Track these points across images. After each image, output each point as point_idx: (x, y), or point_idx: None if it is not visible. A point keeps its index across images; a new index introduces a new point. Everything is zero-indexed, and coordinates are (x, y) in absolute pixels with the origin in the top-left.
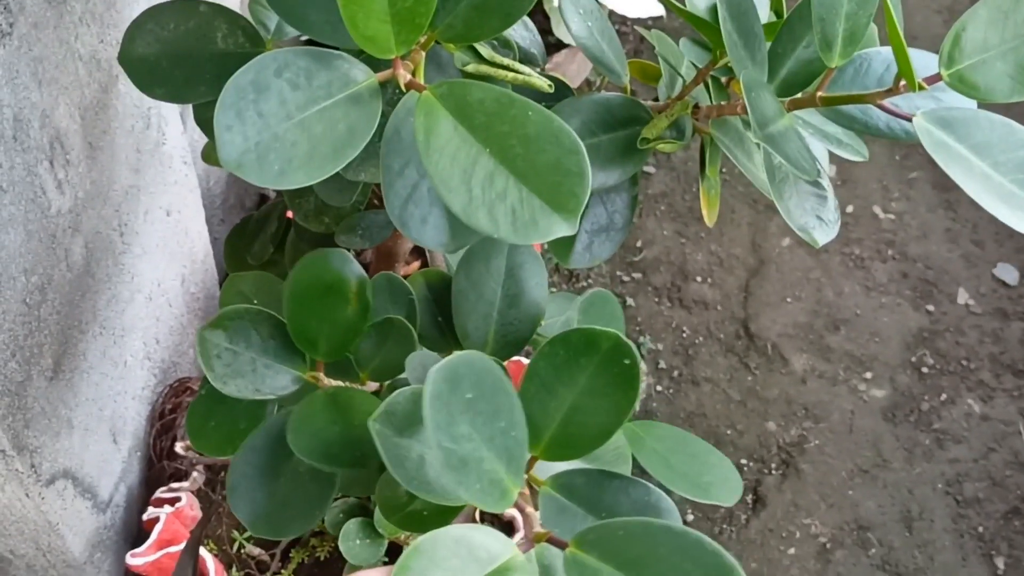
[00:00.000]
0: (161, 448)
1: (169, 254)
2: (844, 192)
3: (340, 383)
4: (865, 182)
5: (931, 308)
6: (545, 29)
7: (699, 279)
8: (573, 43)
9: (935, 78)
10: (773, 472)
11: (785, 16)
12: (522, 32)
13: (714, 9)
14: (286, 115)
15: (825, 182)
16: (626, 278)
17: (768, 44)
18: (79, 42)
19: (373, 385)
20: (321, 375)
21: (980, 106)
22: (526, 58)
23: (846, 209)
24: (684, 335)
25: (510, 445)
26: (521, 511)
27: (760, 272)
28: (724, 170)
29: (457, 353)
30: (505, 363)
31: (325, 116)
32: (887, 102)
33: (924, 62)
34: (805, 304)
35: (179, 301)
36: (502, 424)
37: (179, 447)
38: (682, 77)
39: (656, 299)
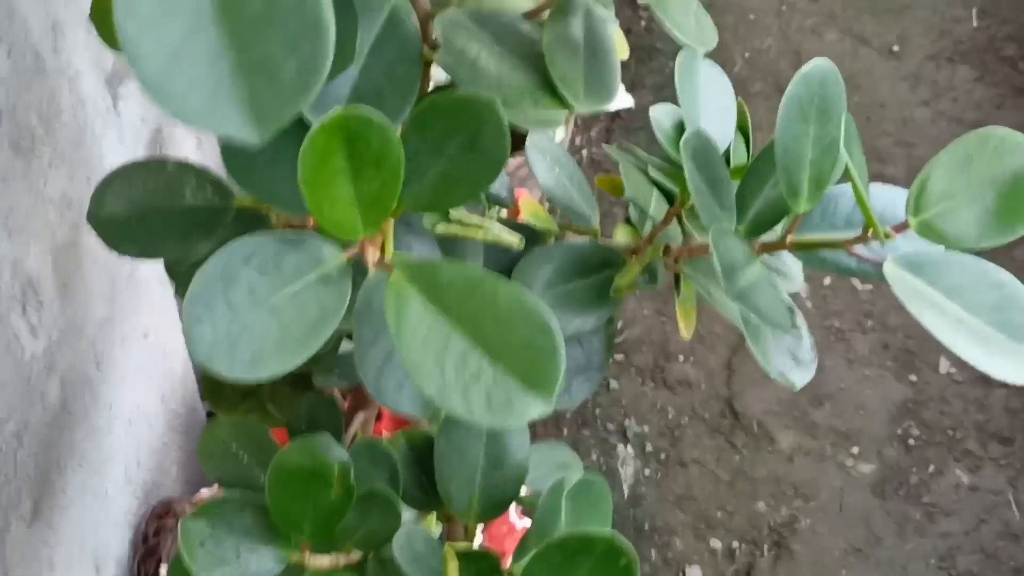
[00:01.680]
0: (145, 572)
1: (147, 376)
2: None
3: (326, 562)
4: None
5: (914, 378)
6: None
7: (681, 358)
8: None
9: (903, 226)
10: (766, 554)
11: (751, 139)
12: None
13: (680, 128)
14: (255, 302)
15: (799, 320)
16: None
17: (736, 183)
18: (49, 186)
19: (358, 554)
20: (306, 555)
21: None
22: (495, 201)
23: (824, 282)
24: (669, 416)
25: None
26: None
27: (742, 349)
28: None
29: None
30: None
31: (295, 300)
32: (857, 249)
33: (894, 203)
34: None
35: (160, 420)
36: None
37: (163, 571)
38: (652, 219)
39: (640, 380)
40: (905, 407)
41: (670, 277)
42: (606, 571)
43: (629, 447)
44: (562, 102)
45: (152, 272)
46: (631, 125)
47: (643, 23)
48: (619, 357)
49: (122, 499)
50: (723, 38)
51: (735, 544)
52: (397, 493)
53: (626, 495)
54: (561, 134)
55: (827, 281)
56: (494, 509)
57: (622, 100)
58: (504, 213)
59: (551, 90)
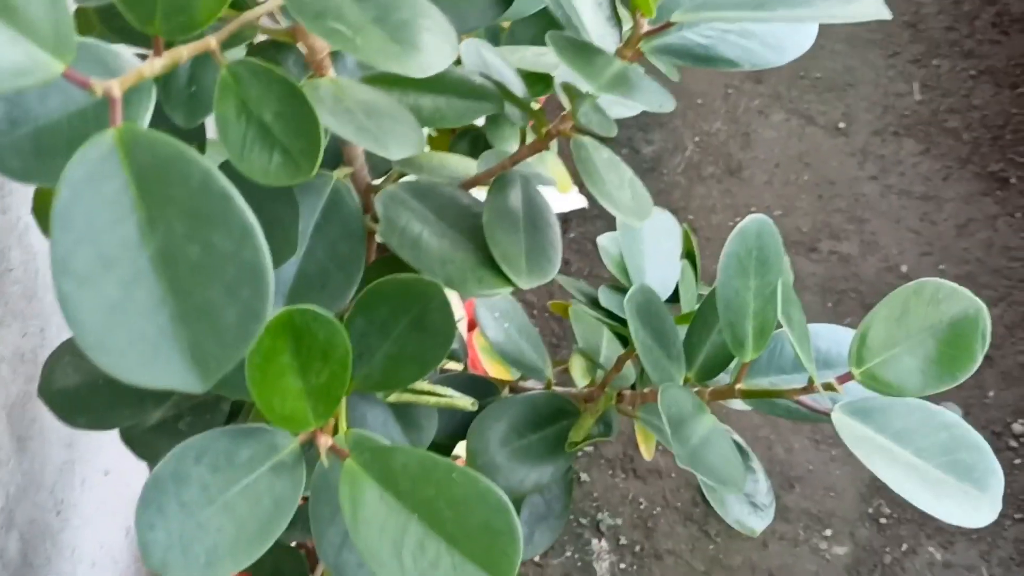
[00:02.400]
0: None
1: (111, 512)
2: None
3: None
4: None
5: None
6: None
7: None
8: None
9: (847, 376)
10: None
11: (698, 265)
12: None
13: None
14: (208, 500)
15: (755, 463)
16: (578, 453)
17: (684, 329)
18: (1, 345)
19: None
20: None
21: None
22: (449, 356)
23: None
24: (641, 507)
25: None
26: None
27: None
28: None
29: None
30: None
31: (248, 493)
32: (804, 399)
33: (841, 344)
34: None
35: (125, 554)
36: None
37: None
38: (602, 368)
39: (610, 471)
40: (874, 485)
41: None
42: None
43: (603, 541)
44: (505, 279)
45: None
46: (588, 214)
47: None
48: (588, 449)
49: None
50: (673, 123)
51: None
52: None
53: None
54: None
55: None
56: None
57: (575, 201)
58: (460, 366)
59: (494, 266)
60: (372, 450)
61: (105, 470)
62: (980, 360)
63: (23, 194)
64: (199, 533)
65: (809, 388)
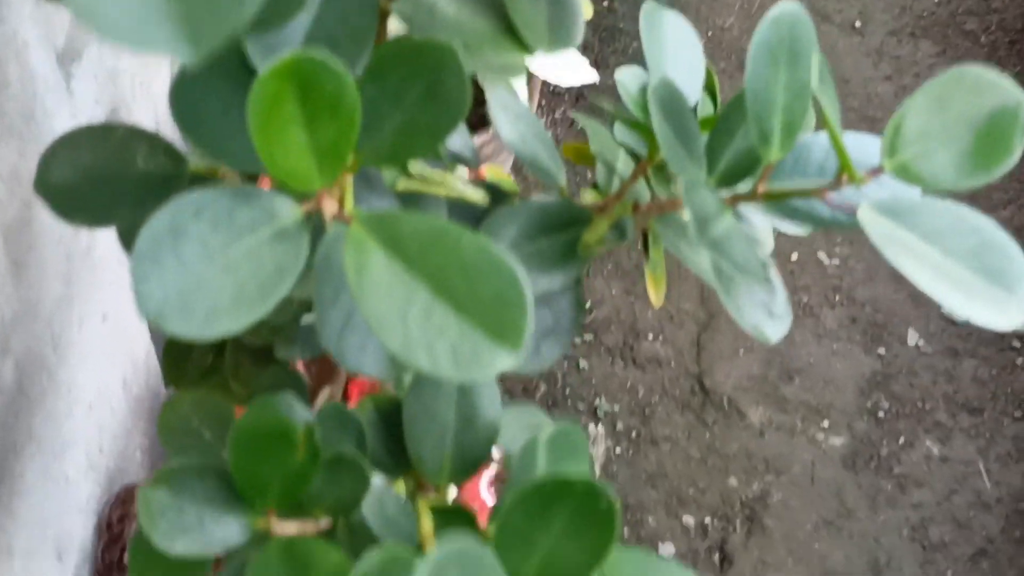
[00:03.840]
0: (110, 560)
1: (108, 359)
2: (788, 240)
3: (293, 528)
4: None
5: (882, 351)
6: (480, 100)
7: (651, 336)
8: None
9: (878, 170)
10: (738, 529)
11: (718, 100)
12: (451, 137)
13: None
14: (208, 257)
15: (773, 274)
16: (578, 340)
17: (705, 136)
18: None
19: (327, 521)
20: (272, 520)
21: (927, 192)
22: (458, 160)
23: (791, 257)
24: (640, 395)
25: None
26: None
27: (711, 326)
28: None
29: (444, 547)
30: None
31: (250, 255)
32: (831, 196)
33: (867, 150)
34: (758, 355)
35: (122, 405)
36: None
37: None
38: (619, 175)
39: (609, 359)
40: (874, 380)
41: (638, 257)
42: (586, 515)
43: (600, 426)
44: (524, 46)
45: (110, 251)
46: (599, 88)
47: (605, 3)
48: (588, 337)
49: (84, 485)
50: (687, 17)
51: (707, 520)
52: (365, 458)
53: (597, 474)
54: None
55: (794, 256)
56: (466, 470)
57: (586, 75)
58: (467, 173)
59: (513, 35)
60: (379, 216)
61: (103, 314)
62: (1018, 155)
63: (20, 8)
64: (197, 289)
65: (837, 183)
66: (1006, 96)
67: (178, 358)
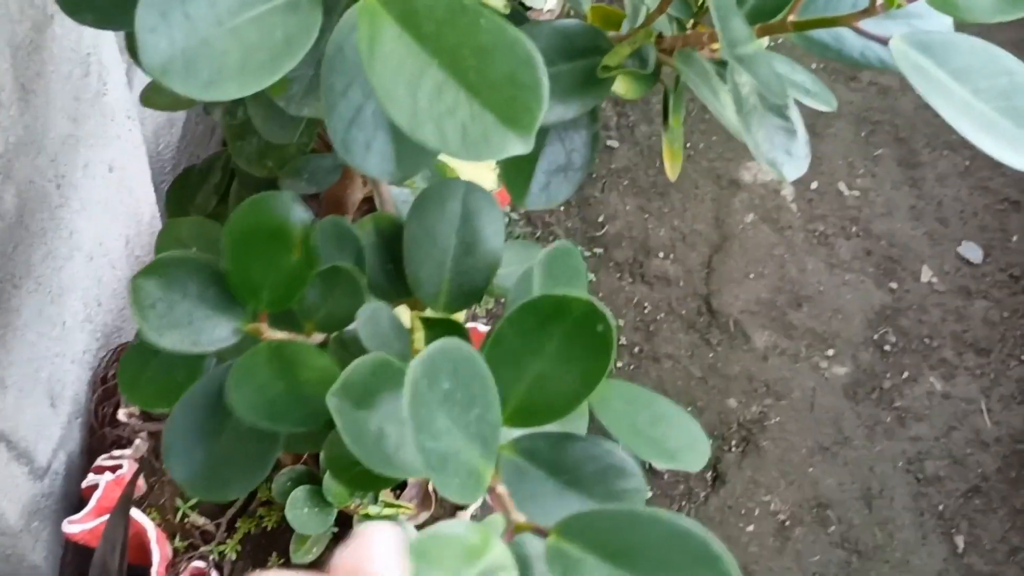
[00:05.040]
0: (103, 414)
1: (112, 213)
2: (808, 169)
3: (284, 335)
4: (830, 159)
5: (894, 286)
6: None
7: (661, 255)
8: None
9: None
10: (733, 449)
11: None
12: None
13: None
14: (216, 20)
15: (795, 115)
16: (587, 253)
17: None
18: None
19: (319, 336)
20: (264, 326)
21: (958, 30)
22: None
23: (811, 185)
24: (645, 311)
25: (484, 431)
26: (491, 491)
27: (723, 248)
28: (688, 145)
29: (434, 345)
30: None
31: (260, 23)
32: (862, 24)
33: None
34: (768, 281)
35: (123, 263)
36: (477, 411)
37: (122, 414)
38: (646, 4)
39: (618, 275)
40: (883, 313)
41: (655, 174)
42: (582, 336)
43: None
44: None
45: (119, 102)
46: None
47: None
48: (598, 251)
49: (80, 336)
50: None
51: None
52: (362, 273)
53: None
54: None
55: (814, 185)
56: (465, 298)
57: None
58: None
59: None
60: None
61: (109, 166)
62: None
63: None
64: (204, 50)
65: (871, 10)
66: None
67: (181, 202)
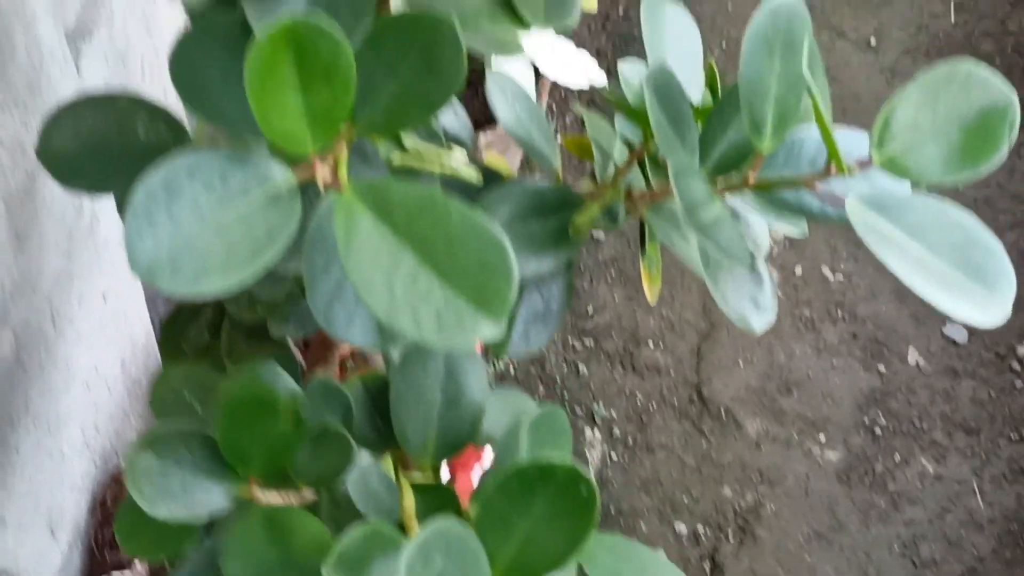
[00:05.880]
0: (103, 538)
1: (107, 339)
2: (793, 254)
3: (277, 499)
4: (814, 243)
5: (882, 368)
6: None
7: (651, 344)
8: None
9: (867, 162)
10: (730, 539)
11: (719, 96)
12: (449, 117)
13: None
14: (200, 218)
15: (761, 264)
16: (578, 345)
17: (700, 125)
18: (1, 130)
19: (311, 493)
20: (255, 489)
21: (914, 188)
22: (455, 141)
23: (795, 271)
24: (638, 401)
25: None
26: None
27: (711, 336)
28: None
29: (428, 529)
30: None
31: (242, 218)
32: (819, 186)
33: (856, 142)
34: (757, 367)
35: (119, 386)
36: None
37: None
38: (615, 162)
39: (609, 365)
40: (872, 396)
41: (636, 271)
42: (567, 501)
43: (597, 431)
44: (521, 21)
45: (112, 231)
46: (608, 109)
47: (620, 11)
48: (588, 342)
49: (79, 462)
50: (701, 28)
51: (700, 528)
52: (350, 432)
53: (592, 478)
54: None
55: (798, 271)
56: (450, 449)
57: (596, 76)
58: (465, 157)
59: (510, 9)
60: (370, 183)
61: (103, 294)
62: (1005, 154)
63: None
64: (188, 248)
65: (826, 173)
66: (996, 94)
67: (175, 336)
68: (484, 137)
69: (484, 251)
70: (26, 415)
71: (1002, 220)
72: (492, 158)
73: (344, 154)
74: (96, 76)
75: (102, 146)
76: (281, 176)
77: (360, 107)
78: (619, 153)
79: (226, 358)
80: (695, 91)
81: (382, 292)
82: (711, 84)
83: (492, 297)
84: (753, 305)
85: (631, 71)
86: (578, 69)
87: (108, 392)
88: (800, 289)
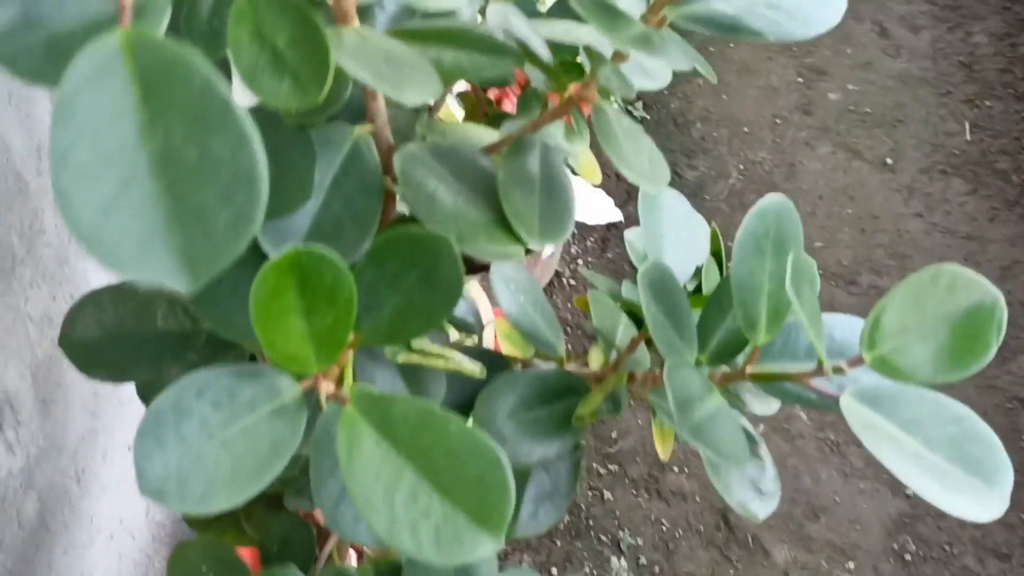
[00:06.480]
0: None
1: (131, 489)
2: None
3: None
4: None
5: (910, 492)
6: None
7: (676, 469)
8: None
9: (857, 360)
10: None
11: (724, 262)
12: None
13: None
14: (208, 436)
15: (762, 450)
16: (603, 470)
17: (697, 313)
18: (29, 305)
19: None
20: None
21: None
22: (463, 327)
23: None
24: (664, 528)
25: None
26: None
27: None
28: None
29: None
30: None
31: (248, 433)
32: (814, 382)
33: (853, 334)
34: (784, 492)
35: (143, 532)
36: None
37: None
38: (616, 348)
39: (634, 491)
40: (901, 521)
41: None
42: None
43: (623, 560)
44: (516, 238)
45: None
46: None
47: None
48: (613, 468)
49: None
50: (718, 150)
51: None
52: None
53: None
54: (550, 249)
55: None
56: None
57: (611, 214)
58: (474, 339)
59: (506, 226)
60: (372, 398)
61: (128, 445)
62: (994, 351)
63: None
64: (196, 467)
65: (819, 371)
66: (983, 294)
67: None
68: None
69: (483, 466)
70: (50, 573)
71: (1023, 338)
72: (505, 329)
73: (349, 368)
74: None
75: (122, 335)
76: (288, 388)
77: (364, 318)
78: (624, 331)
79: (244, 522)
80: (691, 269)
81: (382, 508)
82: (715, 252)
83: (491, 513)
84: (755, 492)
85: (637, 238)
86: (595, 207)
87: (132, 540)
88: (824, 412)
